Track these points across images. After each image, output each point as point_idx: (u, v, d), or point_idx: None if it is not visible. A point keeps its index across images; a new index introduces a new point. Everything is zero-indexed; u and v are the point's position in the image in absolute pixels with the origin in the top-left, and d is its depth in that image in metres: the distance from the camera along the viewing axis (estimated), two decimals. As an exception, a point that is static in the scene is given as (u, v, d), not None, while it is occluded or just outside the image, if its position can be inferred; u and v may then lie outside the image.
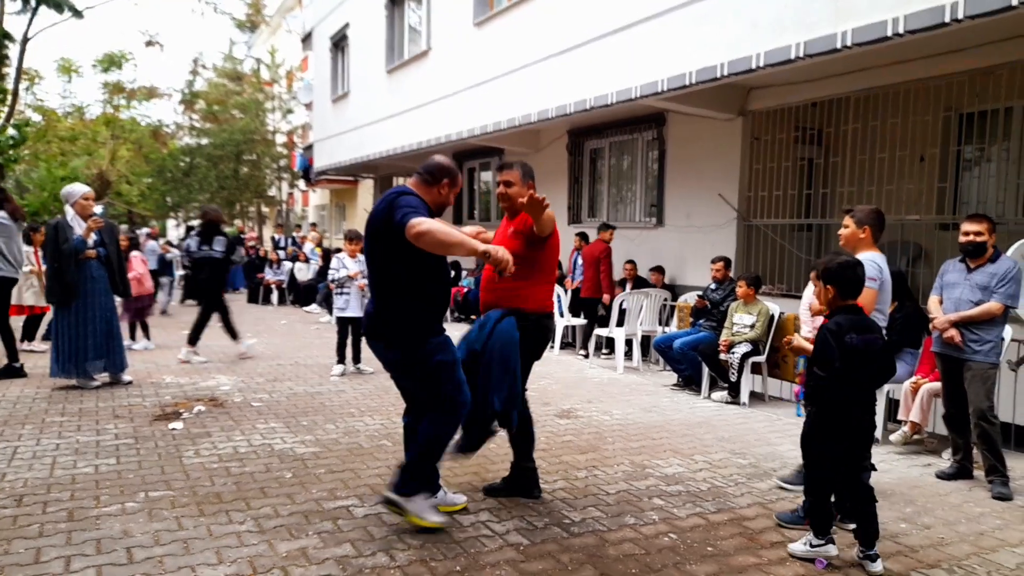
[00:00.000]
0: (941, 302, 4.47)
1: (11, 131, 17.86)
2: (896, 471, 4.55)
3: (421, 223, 2.92)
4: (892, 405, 5.30)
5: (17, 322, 9.26)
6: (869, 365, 3.12)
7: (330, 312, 10.39)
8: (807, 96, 6.95)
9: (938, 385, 4.70)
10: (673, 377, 7.13)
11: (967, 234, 4.31)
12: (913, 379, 5.02)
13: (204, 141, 27.85)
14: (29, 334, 7.83)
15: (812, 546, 3.15)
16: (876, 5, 5.13)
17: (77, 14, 16.58)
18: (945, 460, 4.66)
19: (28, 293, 7.69)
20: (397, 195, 3.18)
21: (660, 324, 8.27)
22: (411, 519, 3.26)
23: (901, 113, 6.24)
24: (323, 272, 12.94)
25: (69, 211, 6.03)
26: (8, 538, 3.10)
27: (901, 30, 4.96)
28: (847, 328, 3.12)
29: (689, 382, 6.87)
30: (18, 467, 4.03)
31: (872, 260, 3.73)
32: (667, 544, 3.29)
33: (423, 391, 3.30)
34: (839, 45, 5.37)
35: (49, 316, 6.71)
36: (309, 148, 19.59)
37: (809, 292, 5.84)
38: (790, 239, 7.40)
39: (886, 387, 5.18)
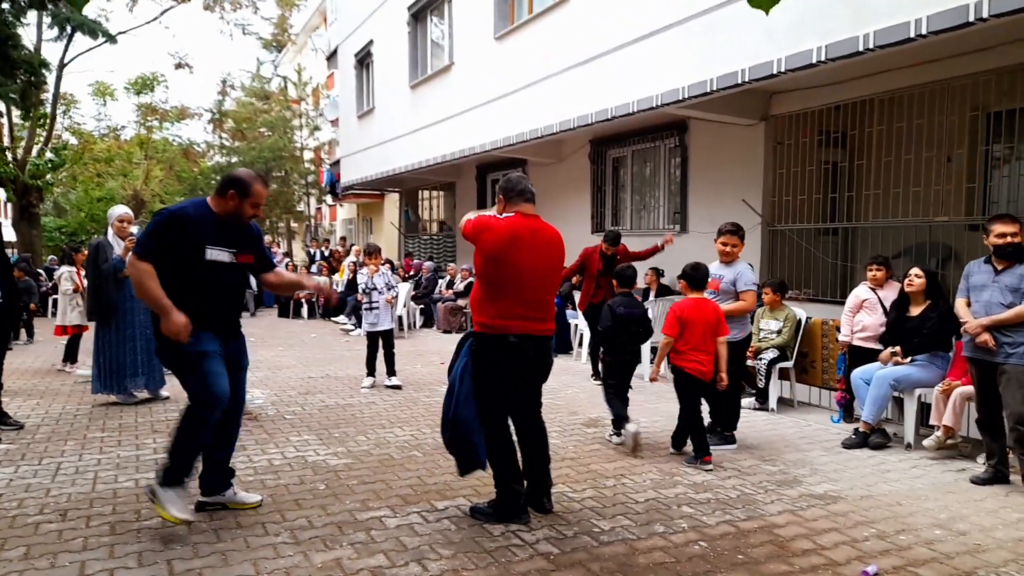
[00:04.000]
0: (969, 304, 4.42)
1: (49, 154, 18.43)
2: (930, 476, 4.49)
3: (130, 266, 3.37)
4: (924, 409, 5.23)
5: (54, 341, 9.49)
6: (631, 325, 5.08)
7: (358, 324, 10.52)
8: (830, 99, 6.92)
9: (971, 389, 4.64)
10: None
11: (1003, 236, 4.22)
12: (944, 383, 4.95)
13: (234, 159, 28.42)
14: (71, 355, 8.00)
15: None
16: (898, 7, 5.11)
17: (111, 39, 17.10)
18: (980, 465, 4.58)
19: (73, 313, 7.87)
20: (157, 216, 3.46)
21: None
22: (158, 508, 3.36)
23: (927, 114, 6.18)
24: (352, 285, 13.11)
25: (111, 231, 6.25)
26: (55, 552, 3.20)
27: (924, 31, 4.93)
28: (619, 304, 5.15)
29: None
30: (62, 482, 4.16)
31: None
32: (697, 552, 3.29)
33: (181, 381, 3.47)
34: (861, 48, 5.35)
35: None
36: (336, 163, 19.88)
37: (855, 296, 5.82)
38: (816, 243, 7.34)
39: (917, 391, 5.12)
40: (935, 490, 4.22)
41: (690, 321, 4.68)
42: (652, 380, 4.97)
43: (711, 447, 4.96)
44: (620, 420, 4.97)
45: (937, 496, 4.10)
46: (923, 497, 4.08)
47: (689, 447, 4.85)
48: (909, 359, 5.11)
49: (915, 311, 5.21)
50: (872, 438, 5.10)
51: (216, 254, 3.44)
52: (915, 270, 5.21)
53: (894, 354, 5.16)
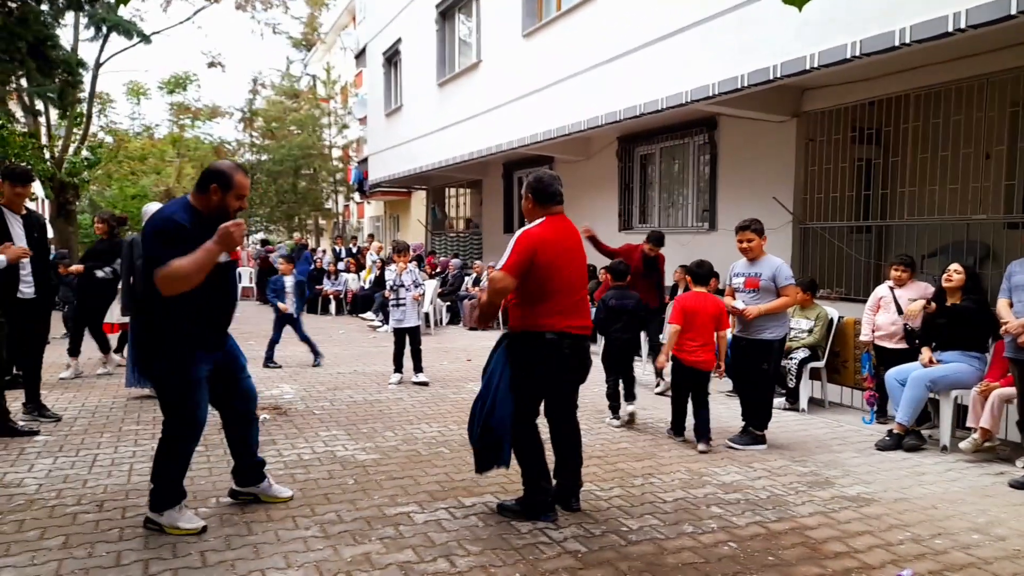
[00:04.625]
0: (1011, 305, 4.31)
1: (85, 153, 18.83)
2: (966, 479, 4.39)
3: (161, 281, 3.08)
4: (960, 411, 5.12)
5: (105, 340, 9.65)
6: (622, 316, 5.63)
7: (386, 320, 10.60)
8: (864, 95, 6.80)
9: (1009, 390, 4.54)
10: (729, 383, 7.02)
11: None
12: (982, 384, 4.84)
13: (264, 157, 28.76)
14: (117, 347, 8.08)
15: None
16: (934, 0, 5.00)
17: (145, 39, 17.40)
18: (1019, 468, 4.47)
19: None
20: (152, 227, 3.20)
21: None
22: (169, 531, 3.33)
23: (964, 109, 6.05)
24: (379, 282, 13.21)
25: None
26: (91, 541, 3.27)
27: (963, 25, 4.82)
28: (611, 296, 5.74)
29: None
30: (98, 474, 4.25)
31: None
32: (727, 553, 3.26)
33: (167, 403, 3.37)
34: (897, 43, 5.25)
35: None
36: (364, 161, 20.04)
37: (875, 294, 5.75)
38: (848, 242, 7.23)
39: (954, 392, 5.02)
40: (972, 493, 4.13)
41: (692, 312, 5.05)
42: (659, 367, 5.39)
43: (742, 446, 4.95)
44: (615, 408, 5.74)
45: (974, 500, 4.02)
46: (959, 501, 3.99)
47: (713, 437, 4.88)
48: (935, 359, 5.06)
49: (951, 303, 5.11)
50: (906, 440, 5.01)
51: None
52: (955, 266, 5.12)
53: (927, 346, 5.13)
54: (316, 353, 8.34)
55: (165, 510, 3.37)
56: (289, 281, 8.31)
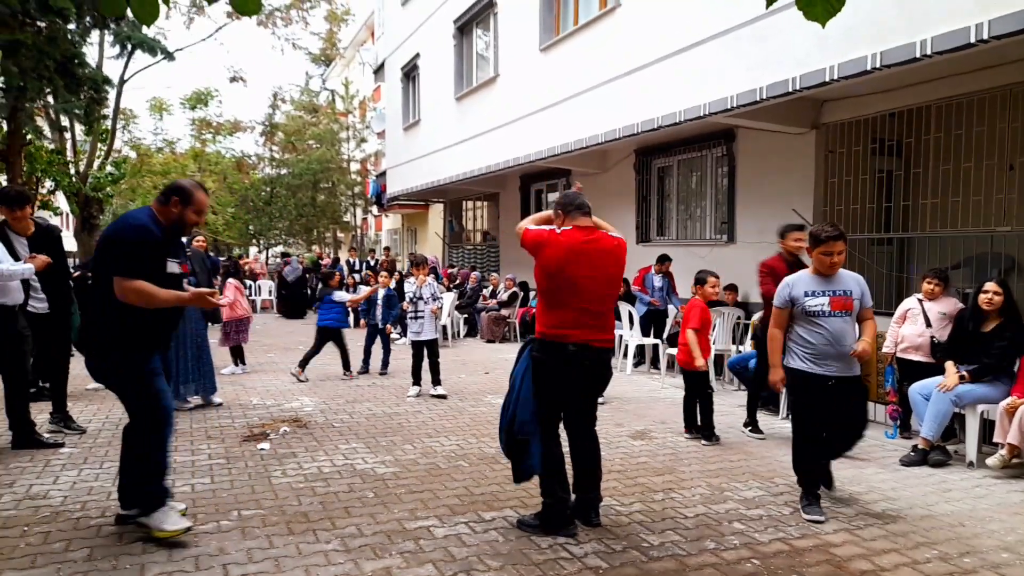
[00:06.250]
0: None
1: (110, 168, 19.15)
2: (994, 496, 4.31)
3: (126, 292, 3.27)
4: (987, 427, 5.03)
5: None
6: None
7: (403, 332, 10.62)
8: (884, 107, 6.75)
9: (1038, 406, 4.45)
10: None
11: None
12: (1009, 400, 4.76)
13: (283, 171, 29.09)
14: None
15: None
16: (956, 11, 4.96)
17: (169, 56, 17.68)
18: (1049, 485, 4.39)
19: None
20: (130, 233, 3.34)
21: (734, 343, 8.11)
22: (154, 533, 3.38)
23: (987, 121, 5.98)
24: (397, 294, 13.25)
25: None
26: (116, 554, 3.30)
27: (985, 36, 4.78)
28: None
29: (766, 402, 6.69)
30: (122, 485, 4.29)
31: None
32: (750, 570, 3.22)
33: (124, 401, 3.51)
34: (918, 54, 5.21)
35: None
36: (382, 175, 20.19)
37: (902, 306, 5.68)
38: (868, 254, 7.15)
39: (980, 407, 4.93)
40: (1000, 511, 4.05)
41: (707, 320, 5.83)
42: (701, 368, 5.71)
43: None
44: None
45: (1003, 517, 3.94)
46: (987, 518, 3.92)
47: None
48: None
49: (986, 327, 5.01)
50: (932, 455, 4.93)
51: (172, 266, 3.52)
52: (993, 286, 4.96)
53: (963, 378, 4.93)
54: (365, 362, 8.83)
55: (152, 511, 3.42)
56: (381, 293, 8.77)
